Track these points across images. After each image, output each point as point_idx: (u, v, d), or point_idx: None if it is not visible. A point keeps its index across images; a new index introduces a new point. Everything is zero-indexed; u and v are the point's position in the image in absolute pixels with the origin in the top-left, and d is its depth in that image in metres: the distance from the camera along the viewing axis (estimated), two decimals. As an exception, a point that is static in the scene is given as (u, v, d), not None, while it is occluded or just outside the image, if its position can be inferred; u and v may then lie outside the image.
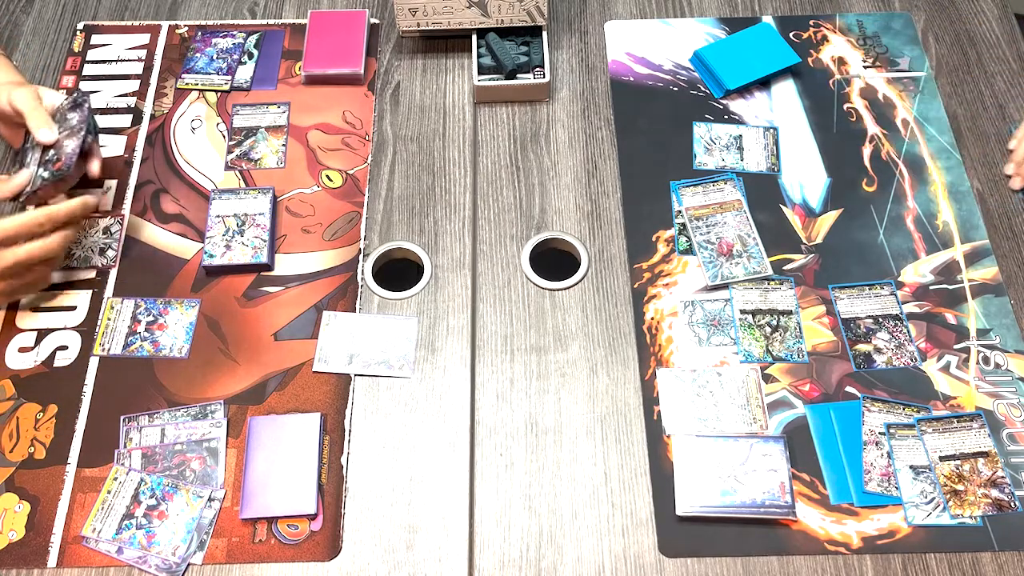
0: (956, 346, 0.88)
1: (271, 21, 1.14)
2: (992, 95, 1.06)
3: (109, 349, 0.89)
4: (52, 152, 0.90)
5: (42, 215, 0.85)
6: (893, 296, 0.91)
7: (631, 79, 1.08)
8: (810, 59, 1.09)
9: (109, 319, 0.90)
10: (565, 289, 0.93)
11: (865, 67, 1.08)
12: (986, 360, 0.88)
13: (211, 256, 0.93)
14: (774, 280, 0.92)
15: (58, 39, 1.12)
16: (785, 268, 0.93)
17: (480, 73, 1.05)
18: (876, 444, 0.82)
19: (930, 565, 0.78)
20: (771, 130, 1.03)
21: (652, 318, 0.91)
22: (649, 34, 1.12)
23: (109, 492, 0.80)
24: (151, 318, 0.90)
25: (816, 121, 1.04)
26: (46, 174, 0.89)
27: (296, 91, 1.07)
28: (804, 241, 0.95)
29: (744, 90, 1.06)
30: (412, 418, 0.85)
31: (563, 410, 0.86)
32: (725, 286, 0.92)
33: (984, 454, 0.82)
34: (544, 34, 1.08)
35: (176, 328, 0.90)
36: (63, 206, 0.86)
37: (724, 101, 1.05)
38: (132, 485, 0.81)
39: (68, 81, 1.08)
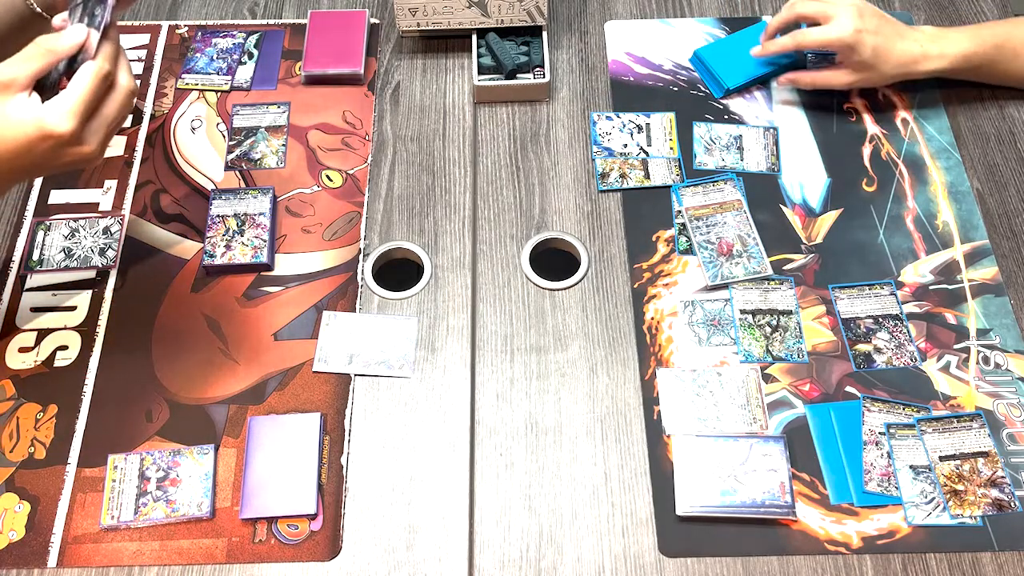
0: (956, 346, 0.88)
1: (271, 21, 1.14)
2: (992, 95, 1.06)
3: (119, 516, 0.79)
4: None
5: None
6: (893, 296, 0.91)
7: (631, 79, 1.08)
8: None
9: (114, 480, 0.81)
10: (565, 289, 0.93)
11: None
12: (986, 360, 0.88)
13: (211, 256, 0.93)
14: (774, 280, 0.92)
15: (58, 39, 1.12)
16: (785, 268, 0.93)
17: (480, 73, 1.05)
18: (876, 444, 0.82)
19: (930, 565, 0.78)
20: (771, 130, 1.03)
21: (652, 318, 0.91)
22: (649, 34, 1.12)
23: (115, 480, 0.81)
24: (161, 473, 0.81)
25: (816, 121, 1.04)
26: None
27: (296, 91, 1.07)
28: (804, 241, 0.95)
29: (744, 90, 1.06)
30: (412, 418, 0.85)
31: (563, 410, 0.86)
32: (725, 286, 0.92)
33: (984, 454, 0.82)
34: (544, 34, 1.08)
35: (192, 482, 0.81)
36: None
37: (724, 101, 1.05)
38: (135, 466, 0.81)
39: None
